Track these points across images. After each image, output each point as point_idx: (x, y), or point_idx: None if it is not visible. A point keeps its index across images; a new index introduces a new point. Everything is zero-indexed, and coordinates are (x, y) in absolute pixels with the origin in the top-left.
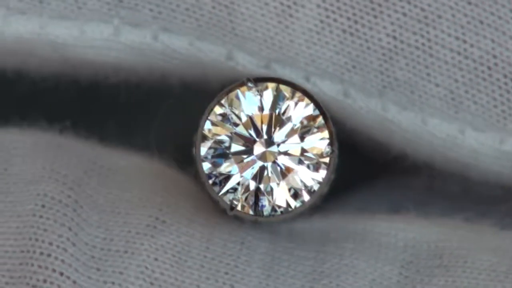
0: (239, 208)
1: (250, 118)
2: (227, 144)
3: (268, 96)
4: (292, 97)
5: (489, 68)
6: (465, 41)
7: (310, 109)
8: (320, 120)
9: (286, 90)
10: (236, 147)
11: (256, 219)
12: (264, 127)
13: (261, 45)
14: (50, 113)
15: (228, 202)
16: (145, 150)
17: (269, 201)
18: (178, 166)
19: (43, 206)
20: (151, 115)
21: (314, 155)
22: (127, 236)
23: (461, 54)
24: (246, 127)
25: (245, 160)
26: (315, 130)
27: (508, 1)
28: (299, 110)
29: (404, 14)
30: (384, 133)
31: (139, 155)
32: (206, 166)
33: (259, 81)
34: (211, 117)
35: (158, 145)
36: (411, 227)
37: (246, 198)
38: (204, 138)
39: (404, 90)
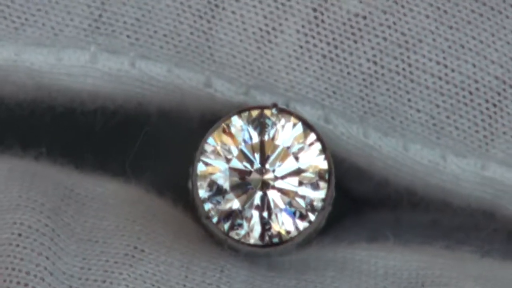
0: (251, 241)
1: (241, 150)
2: (223, 181)
3: (255, 124)
4: (278, 121)
5: (470, 93)
6: (446, 66)
7: (299, 128)
8: (312, 136)
9: (270, 114)
10: (232, 182)
11: (268, 252)
12: (257, 156)
13: (240, 71)
14: (25, 140)
15: (236, 238)
16: (121, 176)
17: (276, 228)
18: (156, 192)
19: (19, 235)
20: (127, 142)
21: (312, 173)
22: (105, 265)
23: (442, 79)
24: (239, 160)
25: (244, 193)
26: (307, 147)
27: (489, 25)
28: (287, 132)
29: (385, 39)
30: (366, 159)
31: (115, 181)
32: (206, 206)
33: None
34: (203, 157)
35: (134, 172)
36: (391, 255)
37: (252, 230)
38: (200, 178)
39: (385, 116)
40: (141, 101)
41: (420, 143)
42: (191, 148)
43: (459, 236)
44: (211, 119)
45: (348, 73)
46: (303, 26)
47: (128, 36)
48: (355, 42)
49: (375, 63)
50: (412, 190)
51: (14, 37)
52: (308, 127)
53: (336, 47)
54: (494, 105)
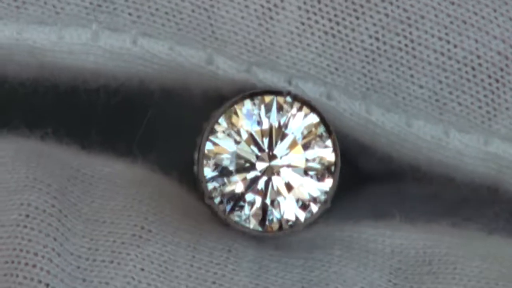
0: (251, 226)
1: (251, 134)
2: (229, 162)
3: (267, 109)
4: (291, 108)
5: (473, 68)
6: (448, 42)
7: (310, 119)
8: (322, 128)
9: (284, 102)
10: (238, 164)
11: (263, 236)
12: (266, 141)
13: (241, 48)
14: (29, 119)
15: (236, 220)
16: (128, 156)
17: (277, 215)
18: (162, 171)
19: (27, 216)
20: (131, 121)
21: (318, 164)
22: (113, 246)
23: (444, 55)
24: (247, 143)
25: (249, 177)
26: (317, 138)
27: (491, 1)
28: (298, 121)
29: (387, 15)
30: (368, 135)
31: (122, 161)
32: (210, 186)
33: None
34: (212, 136)
35: (141, 152)
36: (397, 233)
37: (253, 214)
38: (206, 157)
39: (388, 92)
40: (143, 79)
41: (423, 119)
42: (194, 127)
43: (466, 214)
44: (213, 96)
45: (350, 49)
46: (304, 3)
47: (129, 14)
48: (357, 18)
49: (377, 39)
50: (415, 165)
51: (16, 16)
52: (320, 118)
53: (338, 23)
54: (497, 81)
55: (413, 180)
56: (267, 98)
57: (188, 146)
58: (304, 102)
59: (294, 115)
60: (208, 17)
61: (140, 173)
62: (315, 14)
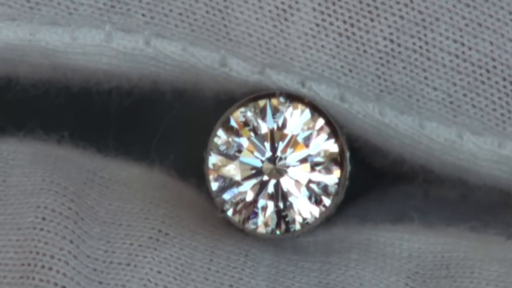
0: (268, 231)
1: (252, 141)
2: (235, 173)
3: (262, 113)
4: (286, 108)
5: (487, 71)
6: (463, 44)
7: (307, 114)
8: (320, 121)
9: (277, 104)
10: (244, 173)
11: (283, 238)
12: (267, 145)
13: (255, 50)
14: (42, 121)
15: (252, 228)
16: (144, 160)
17: (292, 216)
18: (179, 177)
19: (43, 218)
20: (145, 123)
21: (323, 157)
22: (130, 248)
23: (459, 57)
24: (250, 150)
25: (257, 183)
26: (316, 132)
27: (507, 3)
28: (296, 118)
29: (401, 17)
30: (381, 137)
31: (139, 165)
32: (220, 199)
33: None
34: (214, 150)
35: (157, 154)
36: (415, 237)
37: (268, 219)
38: (212, 172)
39: (402, 94)
40: (156, 80)
41: (437, 121)
42: (208, 129)
43: (484, 219)
44: (226, 98)
45: (365, 51)
46: (319, 4)
47: (143, 15)
48: (372, 20)
49: (391, 41)
50: (428, 168)
51: (29, 17)
52: (316, 111)
53: (352, 25)
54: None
55: (426, 182)
56: (261, 103)
57: (203, 148)
58: (298, 99)
59: (291, 114)
60: (222, 18)
61: (157, 177)
62: (329, 15)
